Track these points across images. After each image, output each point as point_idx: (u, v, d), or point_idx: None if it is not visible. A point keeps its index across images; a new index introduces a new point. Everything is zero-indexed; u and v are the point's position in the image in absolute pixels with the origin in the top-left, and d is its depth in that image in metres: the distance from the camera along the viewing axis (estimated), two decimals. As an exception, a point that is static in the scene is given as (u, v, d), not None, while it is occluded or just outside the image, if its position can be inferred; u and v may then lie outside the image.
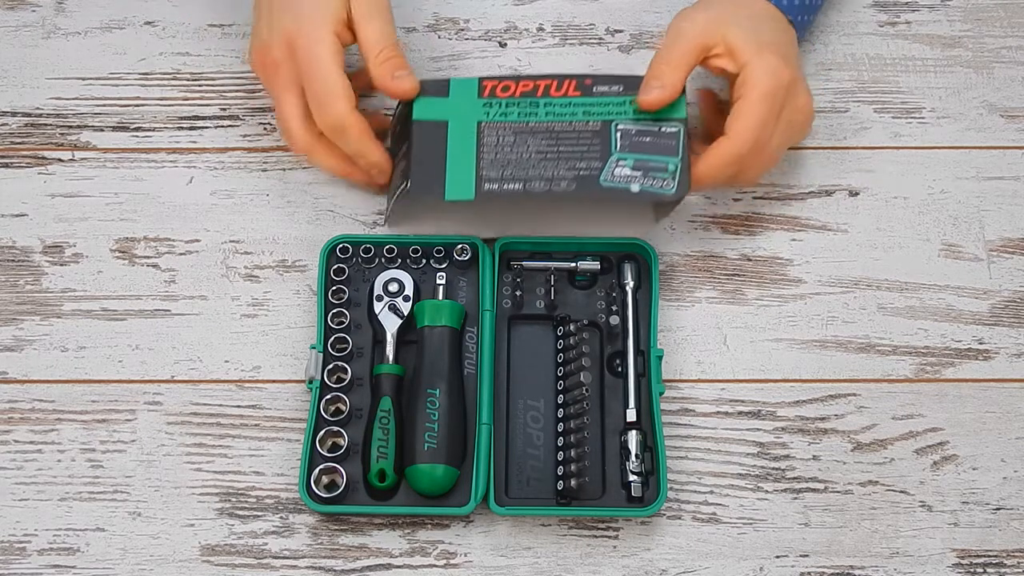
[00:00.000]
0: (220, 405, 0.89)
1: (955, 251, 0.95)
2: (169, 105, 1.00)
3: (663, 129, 0.88)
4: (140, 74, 1.01)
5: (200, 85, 1.01)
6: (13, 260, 0.94)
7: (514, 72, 1.01)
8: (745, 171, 0.91)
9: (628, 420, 0.87)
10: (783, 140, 0.92)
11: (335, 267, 0.91)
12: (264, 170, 0.97)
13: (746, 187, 0.96)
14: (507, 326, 0.91)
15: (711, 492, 0.87)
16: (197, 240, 0.95)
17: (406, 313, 0.90)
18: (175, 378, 0.90)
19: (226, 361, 0.91)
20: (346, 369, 0.88)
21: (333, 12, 0.89)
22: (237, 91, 1.00)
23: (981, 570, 0.85)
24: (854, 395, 0.90)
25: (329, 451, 0.85)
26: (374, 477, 0.84)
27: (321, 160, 0.93)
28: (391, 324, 0.89)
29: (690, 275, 0.94)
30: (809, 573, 0.85)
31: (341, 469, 0.85)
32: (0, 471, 0.87)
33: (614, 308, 0.90)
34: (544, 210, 0.93)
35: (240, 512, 0.86)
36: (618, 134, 0.88)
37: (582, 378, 0.86)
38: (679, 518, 0.86)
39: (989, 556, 0.85)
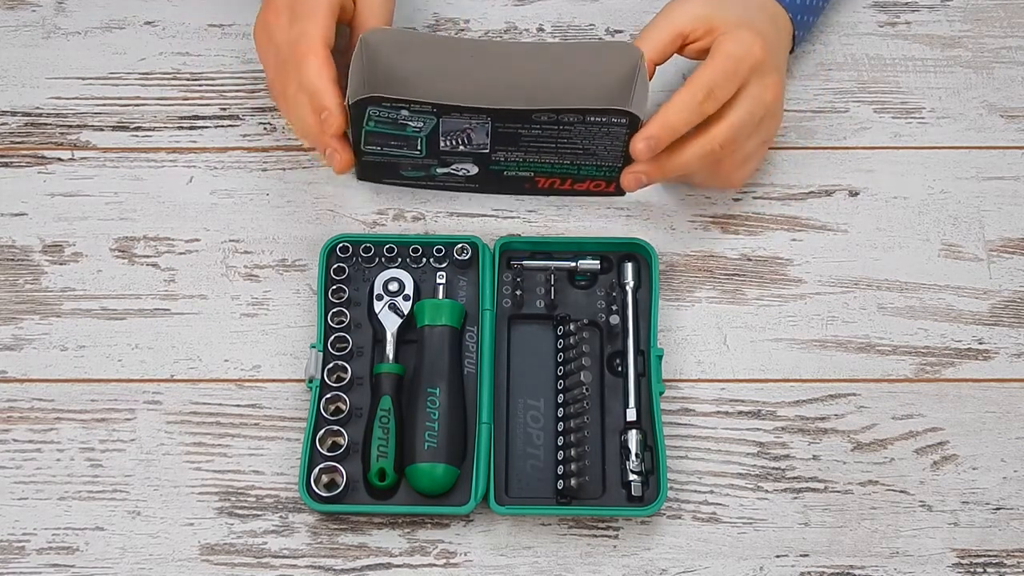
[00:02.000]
0: (220, 404, 0.89)
1: (955, 251, 0.95)
2: (169, 105, 1.00)
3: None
4: (140, 74, 1.01)
5: (200, 85, 1.01)
6: (13, 259, 0.94)
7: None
8: (714, 144, 0.88)
9: (628, 420, 0.87)
10: (750, 116, 0.89)
11: (335, 266, 0.91)
12: (264, 170, 0.97)
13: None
14: (507, 326, 0.91)
15: (711, 492, 0.87)
16: (197, 239, 0.95)
17: (406, 312, 0.90)
18: (174, 377, 0.90)
19: (226, 360, 0.90)
20: (346, 368, 0.88)
21: None
22: (237, 91, 1.01)
23: (981, 570, 0.85)
24: (854, 395, 0.90)
25: (329, 450, 0.85)
26: (374, 476, 0.84)
27: (284, 104, 0.91)
28: (391, 323, 0.89)
29: (690, 275, 0.94)
30: (809, 573, 0.84)
31: (341, 468, 0.84)
32: (-1, 470, 0.87)
33: (614, 308, 0.90)
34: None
35: (240, 511, 0.86)
36: None
37: (582, 378, 0.86)
38: (679, 518, 0.86)
39: (989, 556, 0.85)
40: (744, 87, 0.88)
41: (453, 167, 0.91)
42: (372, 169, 0.93)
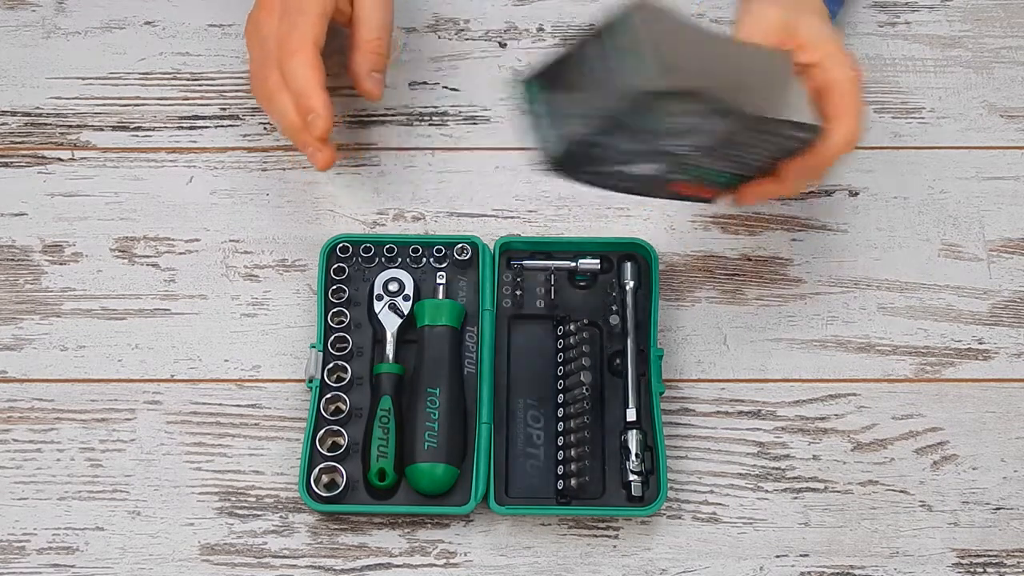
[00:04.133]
0: (220, 404, 0.89)
1: (955, 251, 0.95)
2: (169, 105, 1.00)
3: None
4: (140, 74, 1.01)
5: (200, 85, 1.01)
6: (13, 259, 0.94)
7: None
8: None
9: (628, 420, 0.87)
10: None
11: (335, 266, 0.91)
12: (264, 170, 0.97)
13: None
14: (507, 326, 0.91)
15: (711, 492, 0.87)
16: (197, 239, 0.95)
17: (406, 312, 0.90)
18: (175, 377, 0.90)
19: (226, 360, 0.90)
20: (346, 368, 0.88)
21: None
22: (237, 91, 1.01)
23: (981, 570, 0.85)
24: (854, 395, 0.90)
25: (329, 450, 0.85)
26: (374, 476, 0.84)
27: (264, 96, 0.90)
28: (391, 323, 0.89)
29: (690, 275, 0.94)
30: (809, 573, 0.84)
31: (341, 468, 0.84)
32: (-1, 470, 0.87)
33: (614, 308, 0.90)
34: None
35: (240, 511, 0.86)
36: None
37: (582, 378, 0.86)
38: (679, 518, 0.86)
39: (989, 556, 0.85)
40: None
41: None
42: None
